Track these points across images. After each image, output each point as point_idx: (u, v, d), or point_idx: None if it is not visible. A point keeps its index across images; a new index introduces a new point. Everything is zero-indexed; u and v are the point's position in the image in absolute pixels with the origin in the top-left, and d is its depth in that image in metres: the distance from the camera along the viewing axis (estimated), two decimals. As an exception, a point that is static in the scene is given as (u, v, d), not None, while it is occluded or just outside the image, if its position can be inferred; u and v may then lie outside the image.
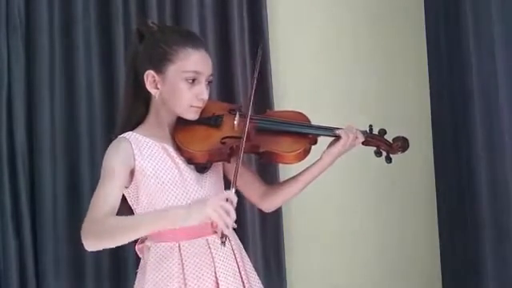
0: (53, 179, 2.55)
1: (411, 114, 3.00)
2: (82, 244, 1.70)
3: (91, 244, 1.69)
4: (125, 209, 1.80)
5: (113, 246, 1.70)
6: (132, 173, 1.78)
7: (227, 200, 1.63)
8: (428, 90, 2.97)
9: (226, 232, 1.63)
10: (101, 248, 1.71)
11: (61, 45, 2.60)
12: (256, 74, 1.89)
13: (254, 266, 1.96)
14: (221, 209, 1.61)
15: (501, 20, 2.43)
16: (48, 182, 2.54)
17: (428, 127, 2.98)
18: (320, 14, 2.96)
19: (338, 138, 1.90)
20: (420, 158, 2.96)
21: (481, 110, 2.55)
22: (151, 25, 1.87)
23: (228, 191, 1.67)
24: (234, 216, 1.62)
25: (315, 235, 2.90)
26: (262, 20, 2.79)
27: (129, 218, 1.74)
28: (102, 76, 2.64)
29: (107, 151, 1.79)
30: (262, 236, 2.78)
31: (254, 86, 1.88)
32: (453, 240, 2.83)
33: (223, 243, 1.66)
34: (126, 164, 1.76)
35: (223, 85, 2.74)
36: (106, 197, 1.72)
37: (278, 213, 2.75)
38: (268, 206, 2.01)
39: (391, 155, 1.94)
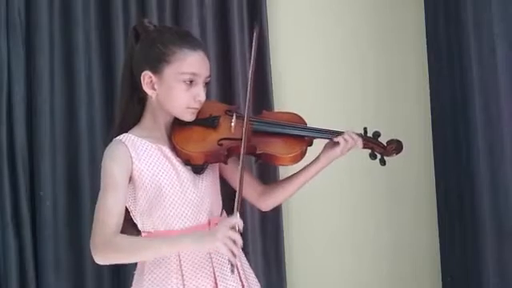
0: (53, 179, 2.56)
1: (411, 114, 3.00)
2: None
3: (103, 260, 1.71)
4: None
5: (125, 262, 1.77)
6: (130, 175, 1.77)
7: (234, 228, 1.63)
8: (428, 90, 2.97)
9: (233, 260, 1.63)
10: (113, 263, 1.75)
11: (61, 45, 2.61)
12: (253, 55, 1.85)
13: (254, 266, 1.97)
14: (229, 240, 1.61)
15: (501, 19, 2.43)
16: (48, 181, 2.54)
17: (428, 127, 2.98)
18: (320, 15, 2.96)
19: (335, 141, 1.88)
20: (420, 158, 2.96)
21: (481, 110, 2.54)
22: (147, 24, 1.84)
23: (235, 218, 1.65)
24: (240, 243, 1.62)
25: (315, 235, 2.90)
26: (262, 20, 2.79)
27: (141, 240, 1.75)
28: (101, 76, 2.65)
29: (104, 156, 1.77)
30: (262, 236, 2.79)
31: (252, 80, 1.85)
32: (453, 240, 2.83)
33: (232, 271, 1.67)
34: (125, 168, 1.75)
35: (223, 85, 2.74)
36: (112, 209, 1.71)
37: (277, 213, 2.75)
38: (266, 205, 2.00)
39: (385, 157, 1.94)
